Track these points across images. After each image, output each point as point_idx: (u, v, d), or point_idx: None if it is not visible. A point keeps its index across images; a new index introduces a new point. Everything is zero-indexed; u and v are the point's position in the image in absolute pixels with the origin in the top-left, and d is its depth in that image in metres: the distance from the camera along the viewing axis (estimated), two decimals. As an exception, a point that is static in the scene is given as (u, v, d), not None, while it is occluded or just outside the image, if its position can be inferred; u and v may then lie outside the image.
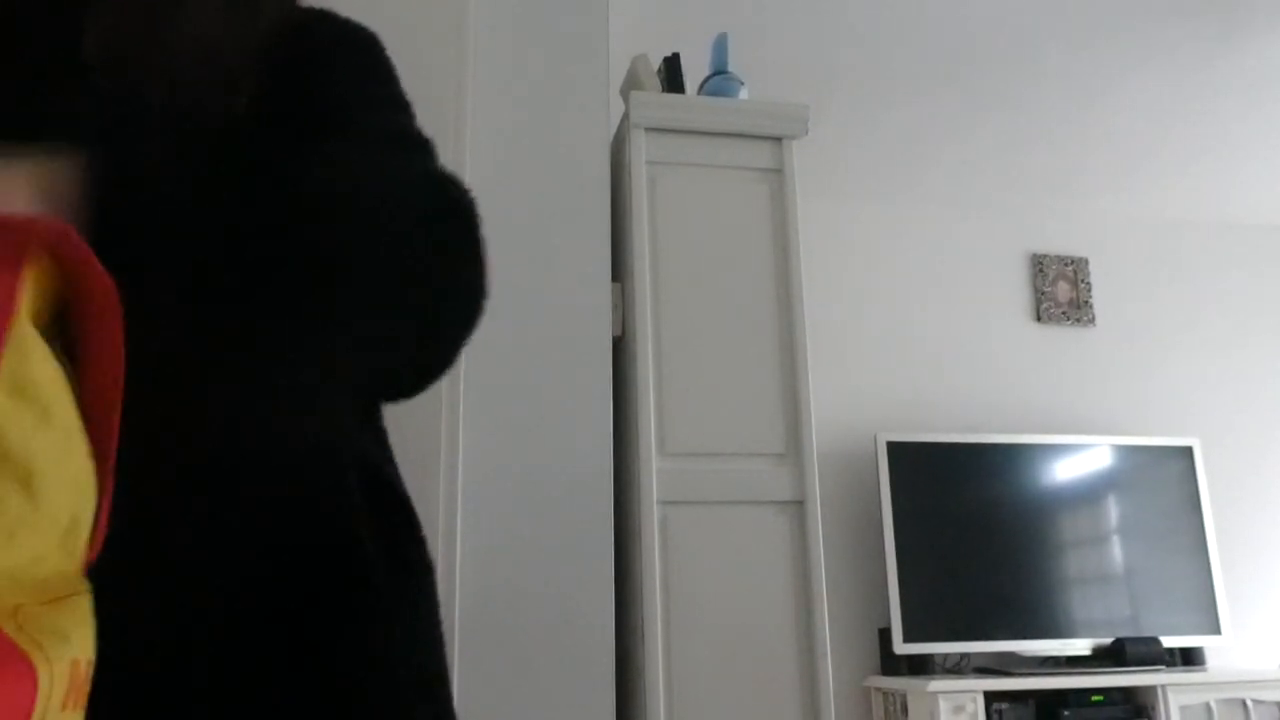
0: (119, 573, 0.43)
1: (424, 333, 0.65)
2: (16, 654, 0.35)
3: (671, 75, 2.29)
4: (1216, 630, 3.49)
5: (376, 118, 0.72)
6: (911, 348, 3.82)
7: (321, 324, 0.59)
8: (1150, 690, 3.15)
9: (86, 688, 0.40)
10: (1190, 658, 3.45)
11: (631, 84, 2.22)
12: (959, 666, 3.38)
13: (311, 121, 0.66)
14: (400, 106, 0.76)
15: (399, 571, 0.67)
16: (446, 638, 0.73)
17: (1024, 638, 3.33)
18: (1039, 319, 3.96)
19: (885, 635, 3.29)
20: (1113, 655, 3.29)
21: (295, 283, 0.57)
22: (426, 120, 0.78)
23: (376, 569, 0.65)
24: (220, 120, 0.62)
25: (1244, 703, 3.18)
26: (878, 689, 3.32)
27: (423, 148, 0.73)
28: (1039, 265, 4.01)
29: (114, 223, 0.50)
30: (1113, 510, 3.58)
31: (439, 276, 0.64)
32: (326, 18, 0.75)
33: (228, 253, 0.55)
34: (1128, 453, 3.63)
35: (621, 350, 2.02)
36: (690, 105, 2.16)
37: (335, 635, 0.61)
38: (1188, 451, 3.68)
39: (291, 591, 0.60)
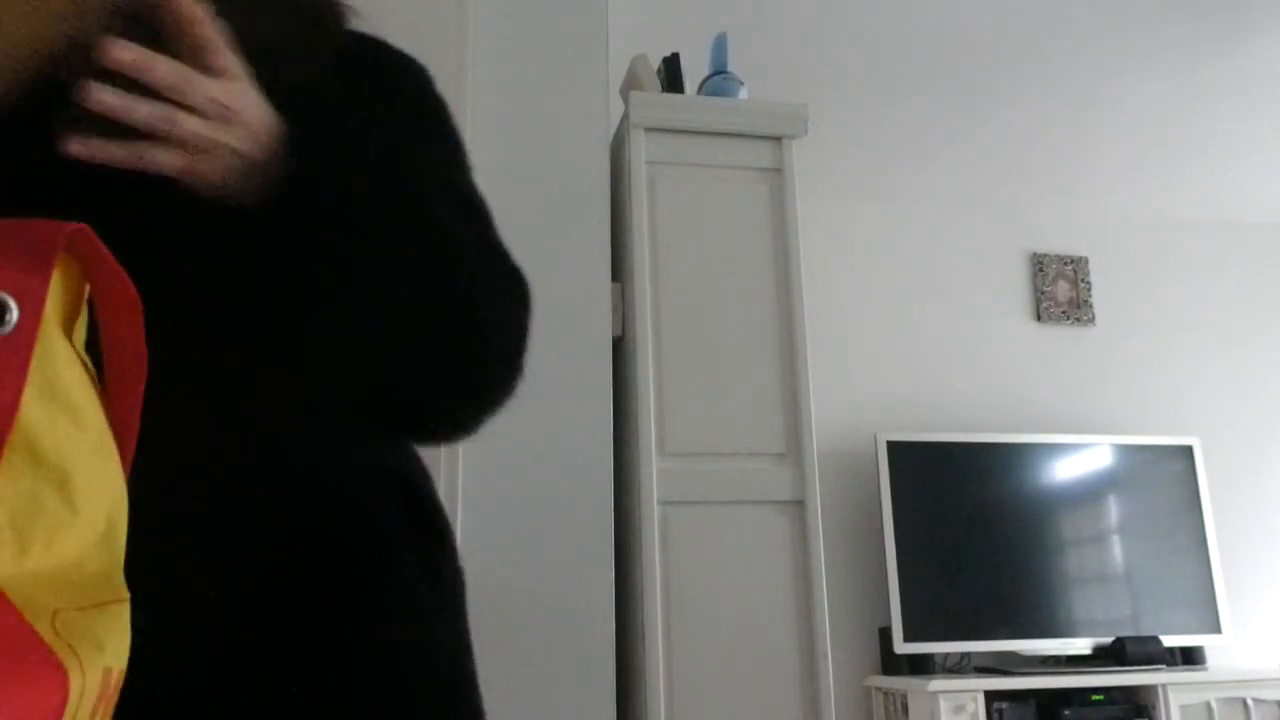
0: (132, 577, 0.44)
1: (467, 390, 0.68)
2: (51, 660, 0.35)
3: (671, 75, 2.29)
4: (1217, 629, 3.49)
5: (442, 175, 0.74)
6: (911, 347, 3.82)
7: (379, 359, 0.62)
8: (1151, 689, 3.15)
9: (115, 697, 0.40)
10: (1191, 657, 3.44)
11: (631, 84, 2.22)
12: (959, 666, 3.38)
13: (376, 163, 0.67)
14: (457, 160, 0.77)
15: (424, 574, 0.67)
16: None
17: (1024, 637, 3.33)
18: (1039, 318, 3.96)
19: (886, 634, 3.29)
20: (1113, 654, 3.29)
21: (364, 310, 0.60)
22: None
23: (391, 569, 0.64)
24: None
25: (1244, 702, 3.17)
26: (878, 688, 3.32)
27: (486, 217, 0.75)
28: (1039, 264, 4.01)
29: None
30: (1113, 509, 3.57)
31: (501, 340, 0.68)
32: (381, 48, 0.75)
33: (284, 270, 0.57)
34: (1128, 452, 3.63)
35: (621, 350, 2.02)
36: (690, 105, 2.16)
37: (339, 635, 0.61)
38: (1188, 451, 3.67)
39: (300, 591, 0.60)
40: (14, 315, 0.37)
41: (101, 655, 0.38)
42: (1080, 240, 4.09)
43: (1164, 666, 3.27)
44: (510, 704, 1.67)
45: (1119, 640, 3.31)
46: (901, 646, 3.21)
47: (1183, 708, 3.13)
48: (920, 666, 3.25)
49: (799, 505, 1.94)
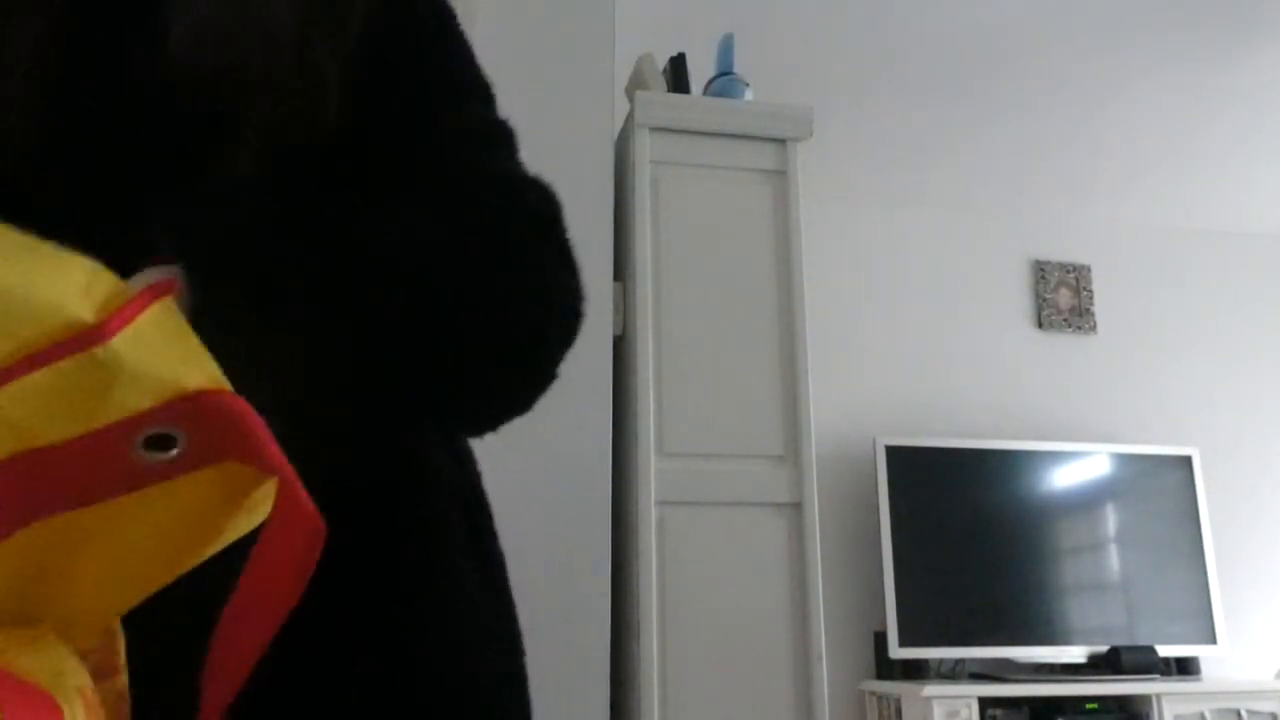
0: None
1: (511, 356, 0.62)
2: (48, 702, 0.36)
3: (677, 75, 2.29)
4: (1212, 640, 3.49)
5: (461, 113, 0.68)
6: (912, 352, 3.82)
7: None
8: (1145, 699, 3.15)
9: (101, 710, 0.41)
10: (1185, 667, 3.44)
11: (637, 83, 2.22)
12: (954, 672, 3.37)
13: (398, 125, 0.63)
14: (480, 93, 0.72)
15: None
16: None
17: (1020, 644, 3.32)
18: (1040, 325, 3.96)
19: (881, 639, 3.29)
20: (1108, 663, 3.29)
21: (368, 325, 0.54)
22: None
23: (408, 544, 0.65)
24: (310, 133, 0.58)
25: (1239, 713, 3.17)
26: (872, 693, 3.32)
27: (504, 141, 0.70)
28: (1041, 272, 4.00)
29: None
30: (1110, 518, 3.57)
31: (531, 299, 0.61)
32: None
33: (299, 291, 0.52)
34: (1126, 461, 3.63)
35: (621, 350, 2.02)
36: (695, 106, 2.16)
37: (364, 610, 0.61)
38: (1186, 461, 3.67)
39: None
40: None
41: (63, 679, 0.38)
42: (1083, 248, 4.09)
43: (1159, 676, 3.26)
44: (504, 701, 1.66)
45: (1114, 649, 3.31)
46: (896, 651, 3.21)
47: (1177, 718, 3.12)
48: (915, 672, 3.24)
49: (796, 508, 1.94)
